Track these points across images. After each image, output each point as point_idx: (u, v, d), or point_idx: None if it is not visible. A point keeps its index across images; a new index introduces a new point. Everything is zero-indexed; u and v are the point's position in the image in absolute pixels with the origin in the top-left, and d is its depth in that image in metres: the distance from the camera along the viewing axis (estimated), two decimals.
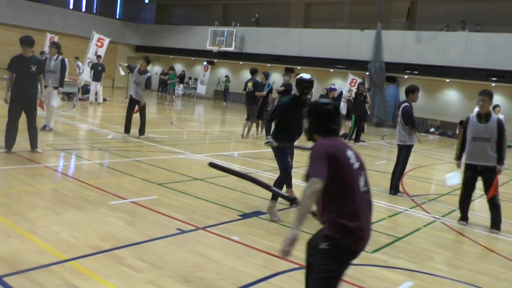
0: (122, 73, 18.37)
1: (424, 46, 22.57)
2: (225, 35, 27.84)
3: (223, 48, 27.92)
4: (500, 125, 6.46)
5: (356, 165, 2.86)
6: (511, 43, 20.13)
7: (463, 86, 23.43)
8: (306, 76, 6.02)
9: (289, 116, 6.00)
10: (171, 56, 32.98)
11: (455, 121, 22.87)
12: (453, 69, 21.73)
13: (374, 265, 4.67)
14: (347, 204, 2.77)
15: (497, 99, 22.65)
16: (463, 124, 6.81)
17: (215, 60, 31.60)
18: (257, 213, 6.00)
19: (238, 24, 28.59)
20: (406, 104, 8.05)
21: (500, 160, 6.41)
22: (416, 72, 23.21)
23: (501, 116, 13.40)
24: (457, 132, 22.62)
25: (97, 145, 9.50)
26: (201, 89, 29.66)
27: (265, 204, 6.36)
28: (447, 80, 23.10)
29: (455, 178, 7.13)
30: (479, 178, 6.58)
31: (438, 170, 11.88)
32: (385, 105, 24.88)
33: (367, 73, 23.82)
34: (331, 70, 27.27)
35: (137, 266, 3.97)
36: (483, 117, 6.53)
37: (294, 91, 6.16)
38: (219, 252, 4.53)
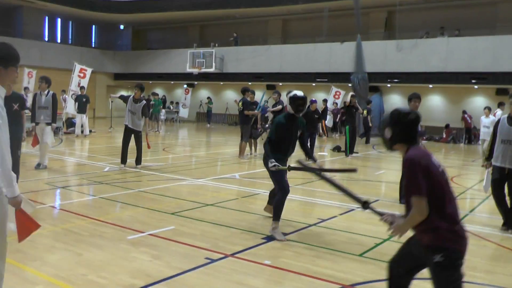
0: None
1: (405, 54, 22.84)
2: (203, 57, 27.76)
3: (204, 70, 27.81)
4: None
5: (441, 168, 2.96)
6: (490, 46, 20.52)
7: (446, 90, 23.76)
8: (299, 93, 5.89)
9: (285, 135, 5.86)
10: (150, 82, 32.72)
11: (441, 125, 23.14)
12: (435, 75, 22.01)
13: (415, 278, 4.52)
14: (446, 208, 2.86)
15: (481, 100, 23.11)
16: (494, 126, 6.74)
17: (196, 83, 31.48)
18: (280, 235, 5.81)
19: (217, 45, 28.58)
20: None
21: None
22: (399, 80, 23.45)
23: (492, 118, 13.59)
24: (443, 136, 22.89)
25: (96, 178, 9.21)
26: (184, 112, 29.42)
27: (285, 225, 6.20)
28: (430, 86, 23.39)
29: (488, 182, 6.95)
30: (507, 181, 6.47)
31: None
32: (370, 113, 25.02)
33: (350, 85, 23.98)
34: (313, 84, 27.40)
35: None
36: None
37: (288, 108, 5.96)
38: (257, 278, 4.34)
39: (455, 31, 22.72)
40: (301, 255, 5.08)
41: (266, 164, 5.83)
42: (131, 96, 10.53)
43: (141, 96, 10.60)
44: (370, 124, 21.01)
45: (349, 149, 14.64)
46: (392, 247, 5.52)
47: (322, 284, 4.23)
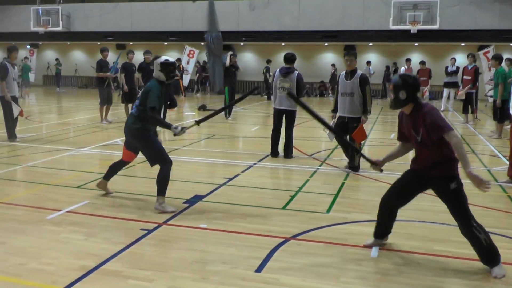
0: None
1: (258, 13, 23.54)
2: (48, 14, 25.29)
3: (50, 29, 25.38)
4: (362, 80, 7.31)
5: None
6: (339, 7, 22.18)
7: (299, 48, 25.14)
8: (171, 59, 5.54)
9: (160, 104, 5.48)
10: None
11: None
12: (288, 33, 23.18)
13: (344, 222, 5.06)
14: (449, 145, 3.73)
15: (330, 57, 25.09)
16: (336, 81, 7.79)
17: (40, 43, 28.67)
18: (198, 198, 5.92)
19: (62, 1, 26.21)
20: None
21: (364, 111, 7.34)
22: (253, 39, 24.18)
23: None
24: None
25: None
26: (30, 76, 26.72)
27: (195, 188, 6.33)
28: (283, 44, 24.58)
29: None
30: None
31: (310, 127, 12.73)
32: (221, 72, 25.41)
33: (203, 43, 24.08)
34: (165, 43, 26.94)
35: (142, 276, 3.71)
36: (349, 74, 7.43)
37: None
38: (205, 243, 4.44)
39: None
40: (231, 215, 5.28)
41: (136, 136, 5.42)
42: None
43: None
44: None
45: (229, 111, 14.34)
46: (306, 196, 6.09)
47: (267, 240, 4.49)
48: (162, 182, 5.35)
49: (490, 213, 5.50)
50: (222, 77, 25.02)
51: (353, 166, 7.45)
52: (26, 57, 22.68)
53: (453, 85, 16.45)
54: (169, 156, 5.47)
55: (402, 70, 19.75)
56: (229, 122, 13.69)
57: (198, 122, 5.59)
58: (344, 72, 7.59)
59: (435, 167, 3.79)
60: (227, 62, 14.21)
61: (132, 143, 5.61)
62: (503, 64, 11.09)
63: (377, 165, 4.15)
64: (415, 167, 4.03)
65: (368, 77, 7.56)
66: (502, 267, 3.80)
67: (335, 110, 7.72)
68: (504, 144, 10.14)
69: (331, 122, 7.73)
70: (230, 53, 14.75)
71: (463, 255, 4.18)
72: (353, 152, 7.26)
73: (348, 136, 7.36)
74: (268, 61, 23.74)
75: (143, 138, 5.43)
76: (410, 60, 20.02)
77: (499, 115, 11.00)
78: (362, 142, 8.22)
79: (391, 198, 4.14)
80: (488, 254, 3.81)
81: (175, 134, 5.33)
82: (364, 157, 4.34)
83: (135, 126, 5.41)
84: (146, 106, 5.27)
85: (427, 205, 5.55)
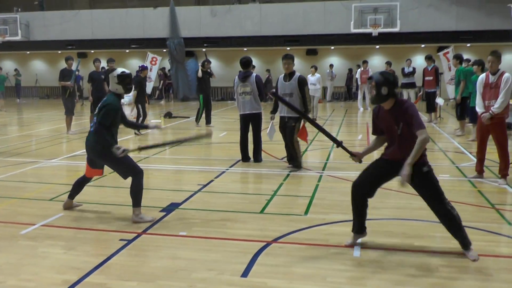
0: None
1: (220, 19, 23.59)
2: (5, 23, 24.56)
3: (8, 38, 24.63)
4: (300, 81, 7.62)
5: None
6: (300, 12, 22.49)
7: (260, 53, 25.34)
8: (127, 70, 5.39)
9: (117, 119, 5.27)
10: None
11: None
12: (250, 38, 23.31)
13: (323, 224, 5.11)
14: None
15: (297, 62, 25.33)
16: (276, 84, 8.08)
17: None
18: (174, 205, 5.86)
19: (20, 9, 25.50)
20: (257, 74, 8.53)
21: (305, 111, 7.58)
22: (215, 44, 24.19)
23: (317, 76, 15.19)
24: None
25: None
26: None
27: (170, 196, 6.28)
28: (245, 49, 24.65)
29: (272, 130, 8.35)
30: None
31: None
32: (188, 79, 25.29)
33: (164, 50, 23.98)
34: (127, 51, 26.64)
35: (128, 287, 3.66)
36: (288, 76, 7.71)
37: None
38: (186, 250, 4.41)
39: None
40: (210, 221, 5.25)
41: (101, 154, 5.17)
42: None
43: None
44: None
45: (199, 118, 13.89)
46: (282, 199, 6.13)
47: (249, 244, 4.50)
48: (136, 193, 5.23)
49: (463, 207, 5.65)
50: (186, 84, 25.09)
51: (296, 165, 7.82)
52: None
53: (411, 85, 16.72)
54: (139, 166, 5.32)
55: (358, 72, 19.92)
56: (197, 128, 13.59)
57: (140, 149, 5.40)
58: (283, 75, 7.87)
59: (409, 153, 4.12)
60: (199, 71, 13.82)
61: (97, 161, 5.37)
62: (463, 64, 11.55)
63: (356, 156, 4.46)
64: (390, 157, 4.30)
65: (305, 79, 7.90)
66: (473, 250, 4.18)
67: (274, 111, 8.12)
68: (467, 141, 10.52)
69: (270, 123, 8.24)
70: (205, 60, 14.20)
71: (442, 249, 4.31)
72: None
73: (285, 134, 7.83)
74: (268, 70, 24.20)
75: (109, 155, 5.10)
76: (367, 62, 19.96)
77: (460, 111, 11.39)
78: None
79: (362, 185, 4.37)
80: (461, 230, 4.18)
81: (115, 155, 5.03)
82: (345, 149, 4.52)
83: (99, 145, 5.14)
84: (103, 121, 5.10)
85: (403, 202, 5.69)
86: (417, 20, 21.23)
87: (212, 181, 7.20)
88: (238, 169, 8.08)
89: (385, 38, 21.54)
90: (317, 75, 15.08)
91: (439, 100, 13.61)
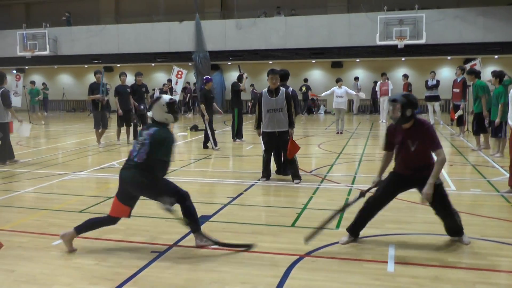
0: None
1: (245, 32, 23.75)
2: (34, 38, 25.20)
3: (37, 53, 25.28)
4: (287, 96, 7.66)
5: None
6: (325, 24, 22.52)
7: (286, 65, 25.24)
8: (172, 97, 5.01)
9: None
10: None
11: None
12: (275, 51, 23.37)
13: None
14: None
15: (318, 73, 25.34)
16: (258, 99, 7.95)
17: (26, 67, 28.50)
18: (204, 218, 5.82)
19: (48, 25, 26.17)
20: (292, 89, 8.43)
21: (290, 125, 7.72)
22: (240, 57, 24.32)
23: (344, 88, 15.08)
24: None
25: None
26: (16, 101, 26.35)
27: (201, 208, 6.27)
28: (270, 62, 24.75)
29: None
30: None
31: (307, 144, 12.77)
32: (214, 92, 25.50)
33: (190, 64, 24.19)
34: (153, 64, 27.00)
35: None
36: (274, 92, 7.69)
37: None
38: (220, 263, 4.37)
39: (291, 10, 24.35)
40: (241, 234, 5.22)
41: (154, 187, 4.56)
42: None
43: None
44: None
45: (236, 132, 13.30)
46: (312, 213, 6.05)
47: (281, 258, 4.44)
48: (192, 217, 4.77)
49: (495, 223, 5.53)
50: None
51: (296, 176, 7.84)
52: (32, 81, 22.66)
53: (434, 98, 16.51)
54: (181, 188, 4.86)
55: (378, 84, 19.85)
56: (236, 143, 13.21)
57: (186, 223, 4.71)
58: (267, 89, 7.81)
59: (426, 168, 4.55)
60: (242, 85, 13.05)
61: (133, 195, 4.74)
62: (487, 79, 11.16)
63: (379, 182, 4.87)
64: (402, 172, 4.69)
65: (290, 93, 7.83)
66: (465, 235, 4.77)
67: (259, 127, 7.91)
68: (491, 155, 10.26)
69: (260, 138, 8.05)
70: (245, 74, 13.40)
71: (478, 266, 4.18)
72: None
73: (281, 149, 7.89)
74: (306, 80, 24.04)
75: (153, 188, 4.58)
76: (386, 74, 19.74)
77: (476, 126, 11.00)
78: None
79: (379, 202, 4.78)
80: (460, 228, 4.74)
81: (163, 205, 4.49)
82: (367, 191, 4.96)
83: (142, 178, 4.52)
84: (158, 156, 4.50)
85: (433, 217, 5.54)
86: (443, 31, 20.99)
87: (241, 193, 7.18)
88: (268, 182, 8.03)
89: (410, 50, 21.37)
90: (344, 87, 14.96)
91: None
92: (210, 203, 6.64)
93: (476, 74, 11.24)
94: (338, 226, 5.46)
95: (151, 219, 5.80)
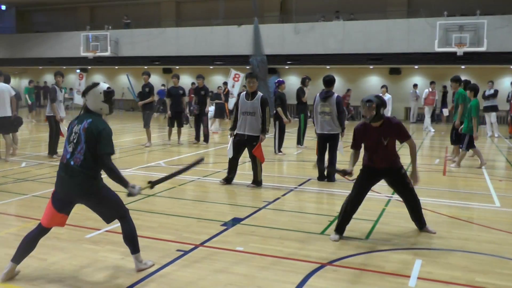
0: None
1: (303, 37, 23.65)
2: (97, 40, 26.41)
3: (99, 54, 26.46)
4: (263, 101, 7.70)
5: None
6: (383, 29, 22.03)
7: (343, 71, 25.04)
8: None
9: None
10: (40, 67, 30.40)
11: None
12: (332, 56, 23.11)
13: (382, 250, 4.90)
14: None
15: (375, 79, 24.84)
16: (235, 102, 8.07)
17: (89, 67, 29.88)
18: (236, 220, 5.91)
19: (110, 27, 27.32)
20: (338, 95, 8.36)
21: (263, 131, 7.75)
22: (297, 62, 24.28)
23: (388, 96, 14.73)
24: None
25: (17, 176, 8.52)
26: (79, 99, 27.74)
27: (234, 210, 6.32)
28: (328, 67, 24.54)
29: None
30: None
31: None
32: (270, 96, 25.61)
33: (248, 67, 24.38)
34: (211, 67, 27.44)
35: None
36: (250, 95, 7.79)
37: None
38: (239, 266, 4.40)
39: (350, 15, 24.04)
40: (268, 238, 5.22)
41: (93, 193, 4.15)
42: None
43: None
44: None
45: (303, 138, 13.07)
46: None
47: (303, 265, 4.41)
48: (133, 237, 4.27)
49: None
50: (269, 100, 25.14)
51: (257, 181, 7.88)
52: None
53: (492, 108, 15.76)
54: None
55: (425, 92, 19.35)
56: (302, 147, 13.06)
57: (152, 185, 4.50)
58: (245, 92, 7.99)
59: (394, 161, 5.24)
60: (306, 92, 12.71)
61: (73, 204, 4.28)
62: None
63: (350, 173, 5.31)
64: (376, 166, 5.22)
65: (268, 99, 7.90)
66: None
67: (233, 128, 7.97)
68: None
69: (230, 140, 8.04)
70: (305, 77, 13.11)
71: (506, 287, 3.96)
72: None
73: (239, 150, 7.91)
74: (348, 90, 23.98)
75: (101, 193, 4.20)
76: (435, 83, 19.62)
77: (455, 136, 10.07)
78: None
79: (358, 198, 5.28)
80: (421, 212, 5.43)
81: (129, 194, 4.19)
82: (337, 171, 5.63)
83: (88, 184, 4.08)
84: (96, 152, 4.02)
85: (471, 234, 5.31)
86: (506, 39, 19.92)
87: (278, 198, 7.18)
88: (308, 187, 7.98)
89: (470, 58, 20.44)
90: (388, 95, 14.53)
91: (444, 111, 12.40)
92: (245, 206, 6.70)
93: (460, 82, 10.32)
94: (367, 236, 5.35)
95: (184, 218, 5.93)
